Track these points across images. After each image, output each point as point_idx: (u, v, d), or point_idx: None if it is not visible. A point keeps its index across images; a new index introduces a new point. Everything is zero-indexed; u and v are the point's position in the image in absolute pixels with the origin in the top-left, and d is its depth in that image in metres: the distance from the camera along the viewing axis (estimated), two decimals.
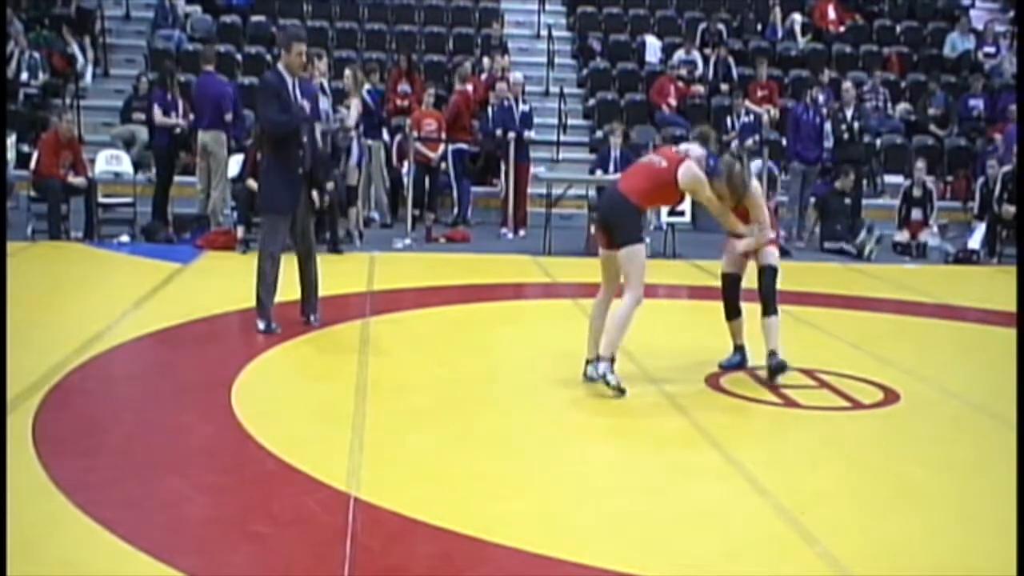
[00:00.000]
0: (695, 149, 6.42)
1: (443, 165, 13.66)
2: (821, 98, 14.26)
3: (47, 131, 12.17)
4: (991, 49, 18.12)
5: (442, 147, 13.55)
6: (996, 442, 5.62)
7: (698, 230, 12.74)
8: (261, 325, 7.37)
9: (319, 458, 4.85)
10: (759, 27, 18.54)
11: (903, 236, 13.36)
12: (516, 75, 14.37)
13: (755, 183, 6.63)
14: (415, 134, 13.08)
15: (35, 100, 14.68)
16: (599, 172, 13.00)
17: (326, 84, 11.62)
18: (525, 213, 13.46)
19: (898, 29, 18.97)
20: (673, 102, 16.14)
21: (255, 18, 17.19)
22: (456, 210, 14.00)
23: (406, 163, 12.93)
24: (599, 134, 14.86)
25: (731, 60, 16.94)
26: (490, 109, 13.98)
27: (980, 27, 18.64)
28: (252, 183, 10.47)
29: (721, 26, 17.70)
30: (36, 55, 14.92)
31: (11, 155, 12.96)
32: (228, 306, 8.14)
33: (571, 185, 13.45)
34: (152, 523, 4.13)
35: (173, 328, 7.49)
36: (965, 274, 12.14)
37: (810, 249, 13.10)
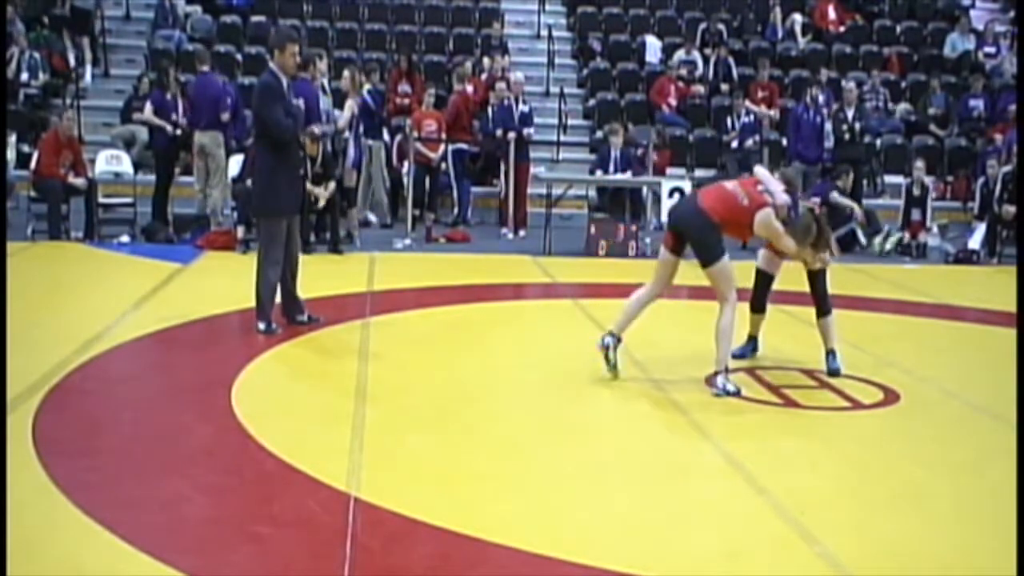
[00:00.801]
0: (780, 195, 6.33)
1: (443, 165, 13.66)
2: (821, 98, 14.26)
3: (47, 131, 12.18)
4: (991, 49, 18.11)
5: (442, 147, 13.54)
6: (996, 442, 5.62)
7: None
8: (261, 326, 7.38)
9: (319, 458, 4.84)
10: (759, 27, 18.53)
11: (904, 236, 13.35)
12: (516, 75, 14.37)
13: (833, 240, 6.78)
14: (415, 134, 13.08)
15: (35, 100, 14.68)
16: (599, 172, 13.01)
17: (326, 84, 11.62)
18: (525, 213, 13.46)
19: (898, 29, 18.96)
20: (673, 102, 16.14)
21: (255, 18, 17.17)
22: (456, 210, 14.00)
23: (406, 163, 12.93)
24: (599, 134, 14.86)
25: (731, 60, 16.92)
26: (490, 109, 13.97)
27: (980, 27, 18.63)
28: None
29: (721, 26, 17.69)
30: (36, 55, 14.91)
31: (11, 155, 12.95)
32: (228, 306, 8.14)
33: (571, 185, 13.45)
34: (152, 523, 4.13)
35: (173, 328, 7.49)
36: (965, 274, 12.13)
37: None
